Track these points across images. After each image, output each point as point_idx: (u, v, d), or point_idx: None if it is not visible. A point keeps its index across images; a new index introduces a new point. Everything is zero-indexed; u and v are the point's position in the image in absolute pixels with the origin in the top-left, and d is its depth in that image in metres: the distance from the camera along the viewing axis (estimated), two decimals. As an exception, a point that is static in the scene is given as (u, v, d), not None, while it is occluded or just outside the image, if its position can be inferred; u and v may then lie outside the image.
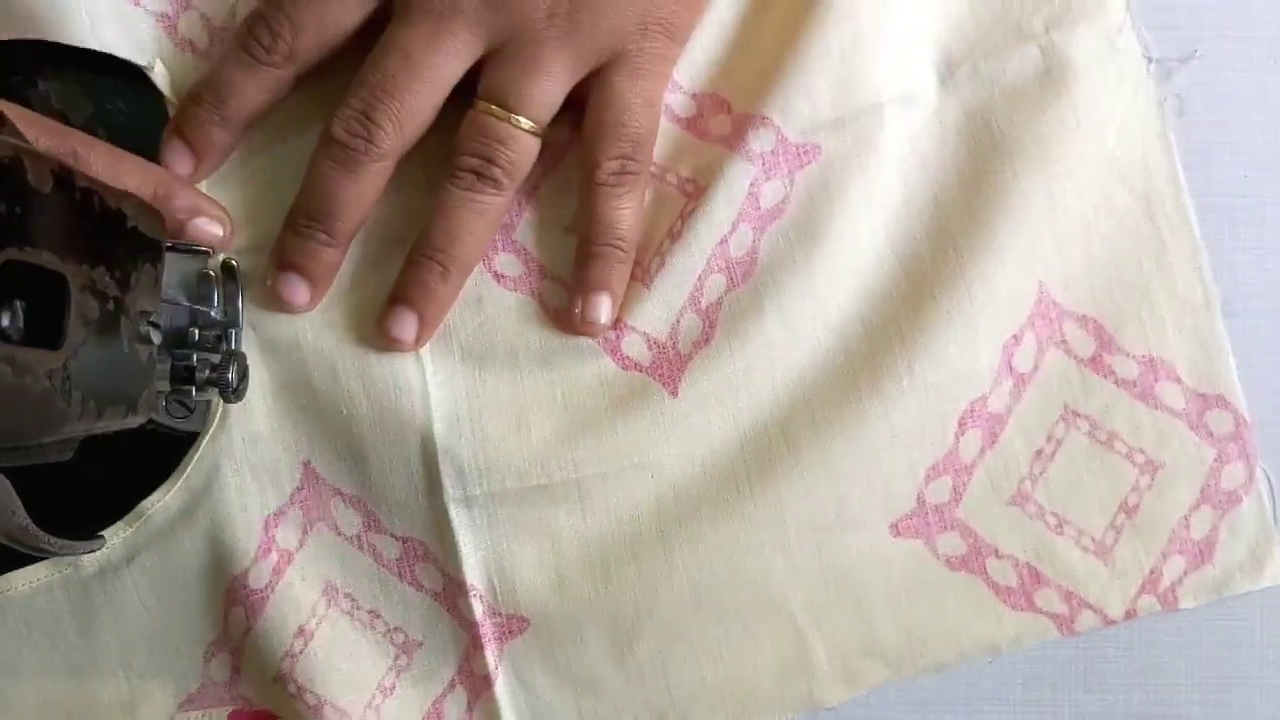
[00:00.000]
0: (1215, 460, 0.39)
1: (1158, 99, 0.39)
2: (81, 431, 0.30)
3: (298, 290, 0.38)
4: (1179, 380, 0.39)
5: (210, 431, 0.39)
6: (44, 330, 0.28)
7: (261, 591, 0.39)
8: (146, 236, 0.33)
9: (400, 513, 0.40)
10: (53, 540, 0.32)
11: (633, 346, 0.39)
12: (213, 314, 0.38)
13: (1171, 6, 0.40)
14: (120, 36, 0.38)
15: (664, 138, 0.39)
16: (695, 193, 0.39)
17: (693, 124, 0.39)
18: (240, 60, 0.37)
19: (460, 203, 0.37)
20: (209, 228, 0.37)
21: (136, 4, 0.39)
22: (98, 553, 0.39)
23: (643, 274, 0.39)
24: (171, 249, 0.36)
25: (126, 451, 0.37)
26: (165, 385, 0.36)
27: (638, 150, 0.38)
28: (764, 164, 0.38)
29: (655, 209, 0.39)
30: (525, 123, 0.36)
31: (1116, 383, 0.39)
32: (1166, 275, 0.39)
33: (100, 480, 0.39)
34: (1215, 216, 0.40)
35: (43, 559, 0.39)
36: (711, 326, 0.39)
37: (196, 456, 0.39)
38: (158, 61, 0.39)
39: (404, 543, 0.40)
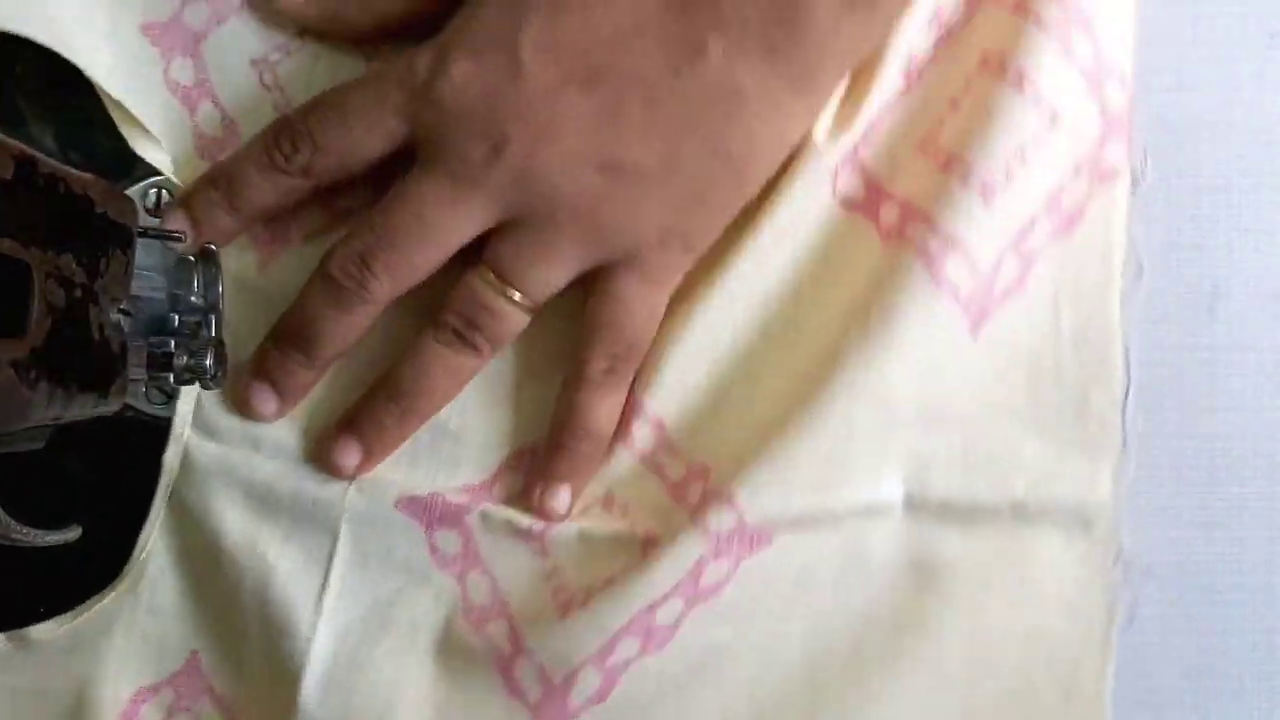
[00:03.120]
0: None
1: (1113, 585, 0.39)
2: (50, 420, 0.30)
3: (266, 402, 0.38)
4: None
5: (117, 588, 0.38)
6: (7, 318, 0.27)
7: None
8: (116, 222, 0.32)
9: None
10: (25, 530, 0.32)
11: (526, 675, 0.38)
12: (191, 300, 0.38)
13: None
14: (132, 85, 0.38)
15: (646, 489, 0.39)
16: (647, 546, 0.38)
17: (675, 488, 0.39)
18: (260, 161, 0.36)
19: (436, 356, 0.37)
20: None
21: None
22: None
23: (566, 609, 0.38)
24: (144, 234, 0.35)
25: (102, 439, 0.37)
26: (141, 373, 0.36)
27: (630, 353, 0.37)
28: (716, 545, 0.37)
29: (609, 551, 0.38)
30: (521, 298, 0.36)
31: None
32: None
33: (75, 469, 0.39)
34: (1211, 197, 0.39)
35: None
36: (609, 686, 0.37)
37: (96, 607, 0.38)
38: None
39: None
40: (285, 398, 0.38)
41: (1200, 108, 0.40)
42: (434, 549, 0.39)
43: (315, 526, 0.38)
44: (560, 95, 0.34)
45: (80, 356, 0.30)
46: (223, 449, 0.38)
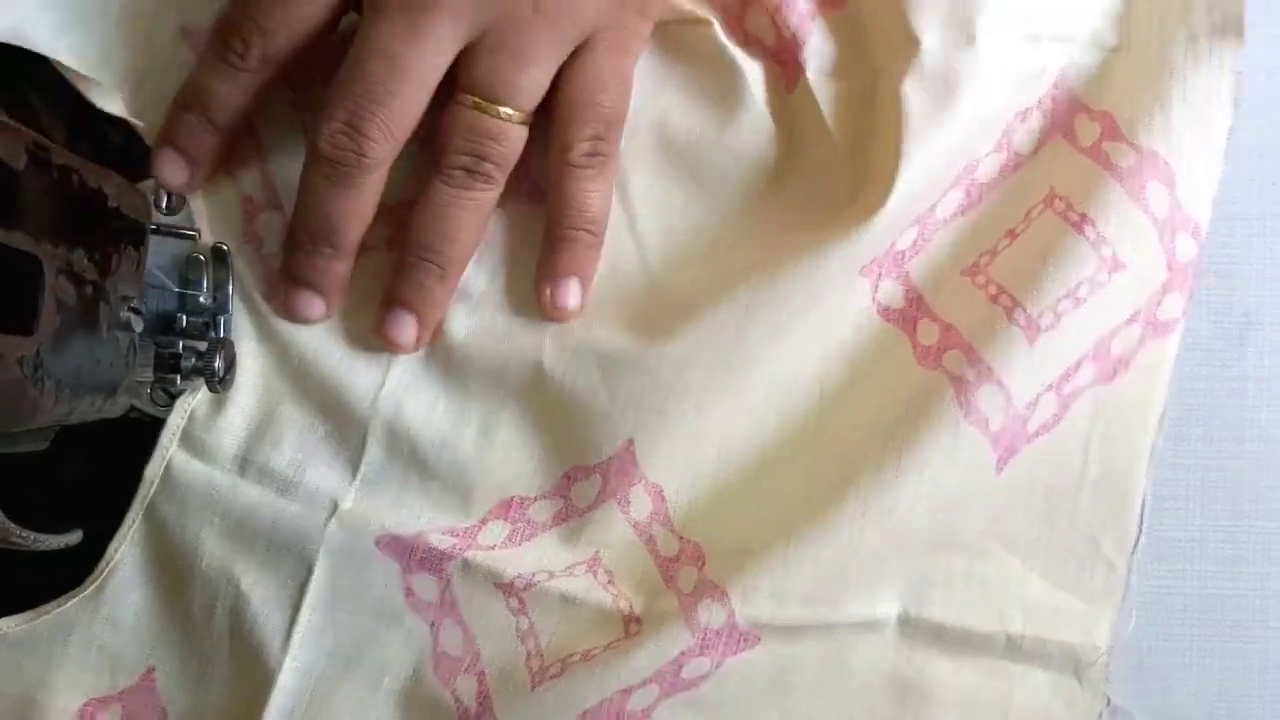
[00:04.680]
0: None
1: None
2: (56, 420, 0.29)
3: (311, 304, 0.37)
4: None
5: (80, 594, 0.37)
6: (16, 315, 0.27)
7: None
8: (129, 218, 0.31)
9: None
10: (25, 533, 0.31)
11: None
12: (201, 299, 0.37)
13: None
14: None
15: (636, 560, 0.38)
16: (632, 631, 0.37)
17: (667, 565, 0.38)
18: (217, 69, 0.35)
19: (452, 201, 0.36)
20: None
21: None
22: None
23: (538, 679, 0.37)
24: (156, 231, 0.35)
25: (108, 439, 0.36)
26: (148, 374, 0.35)
27: (610, 130, 0.36)
28: (702, 640, 0.36)
29: (589, 621, 0.37)
30: (514, 114, 0.35)
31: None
32: None
33: (78, 470, 0.38)
34: (1244, 225, 0.39)
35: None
36: None
37: (56, 611, 0.37)
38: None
39: None
40: (328, 295, 0.37)
41: (1234, 135, 0.39)
42: (410, 591, 0.37)
43: (292, 557, 0.37)
44: None
45: (89, 356, 0.29)
46: (208, 469, 0.37)
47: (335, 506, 0.37)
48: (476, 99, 0.35)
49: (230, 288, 0.38)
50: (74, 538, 0.35)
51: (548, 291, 0.37)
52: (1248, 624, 0.40)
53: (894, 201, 0.36)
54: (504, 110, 0.35)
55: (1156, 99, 0.37)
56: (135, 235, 0.32)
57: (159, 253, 0.35)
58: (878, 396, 0.37)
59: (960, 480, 0.37)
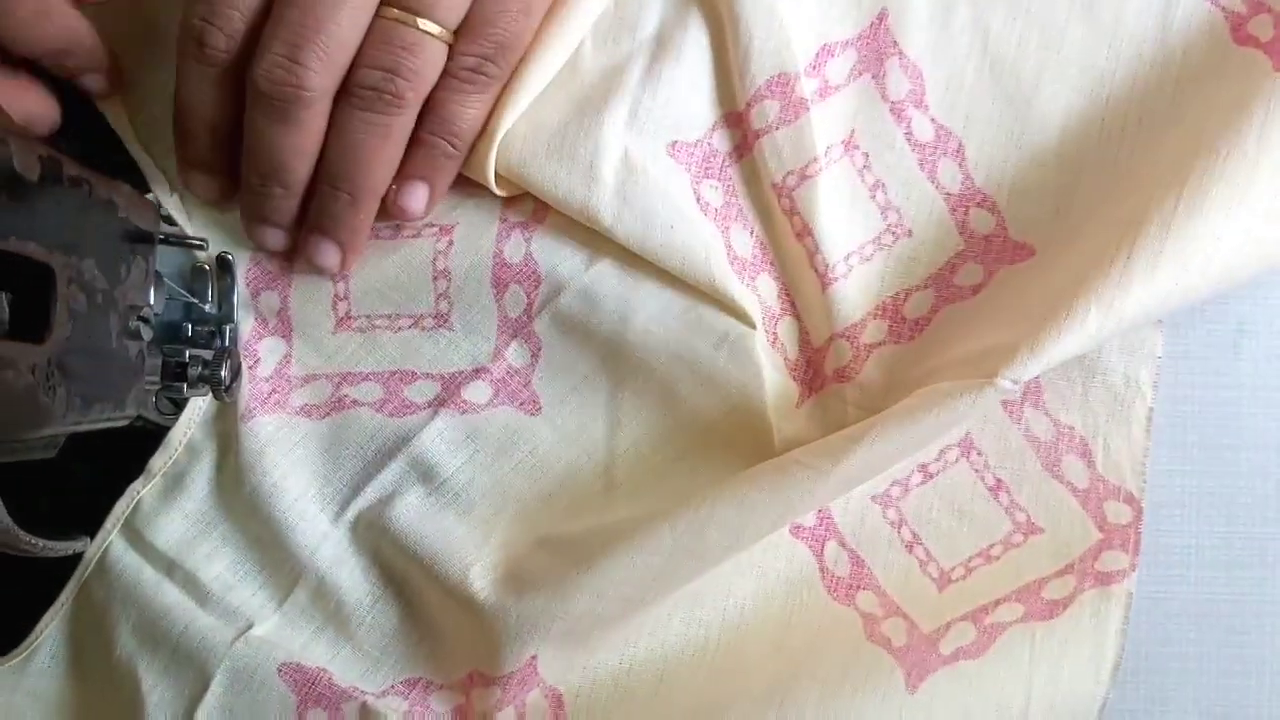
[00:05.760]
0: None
1: None
2: (66, 429, 0.29)
3: (271, 237, 0.37)
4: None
5: (6, 662, 0.38)
6: (28, 323, 0.27)
7: None
8: (139, 228, 0.32)
9: None
10: (34, 540, 0.31)
11: None
12: (206, 309, 0.37)
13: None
14: None
15: None
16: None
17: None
18: (196, 79, 0.35)
19: (361, 126, 0.34)
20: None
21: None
22: None
23: None
24: (164, 241, 0.35)
25: (113, 447, 0.36)
26: (156, 382, 0.35)
27: (500, 55, 0.35)
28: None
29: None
30: (432, 27, 0.34)
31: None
32: None
33: (85, 477, 0.38)
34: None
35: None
36: None
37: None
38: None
39: None
40: (285, 228, 0.37)
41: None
42: None
43: (193, 668, 0.37)
44: None
45: (99, 364, 0.30)
46: (140, 562, 0.38)
47: (248, 627, 0.37)
48: (394, 9, 0.34)
49: (235, 298, 0.38)
50: (80, 545, 0.35)
51: (394, 188, 0.36)
52: (1244, 629, 0.40)
53: (841, 469, 0.35)
54: (423, 22, 0.34)
55: (1074, 376, 0.38)
56: (144, 245, 0.32)
57: (166, 262, 0.36)
58: (791, 628, 0.38)
59: (864, 694, 0.36)
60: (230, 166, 0.36)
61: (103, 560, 0.38)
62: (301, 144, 0.34)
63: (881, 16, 0.38)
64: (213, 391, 0.37)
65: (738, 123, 0.38)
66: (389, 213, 0.37)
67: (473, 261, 0.38)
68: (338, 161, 0.35)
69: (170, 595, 0.37)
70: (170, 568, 0.38)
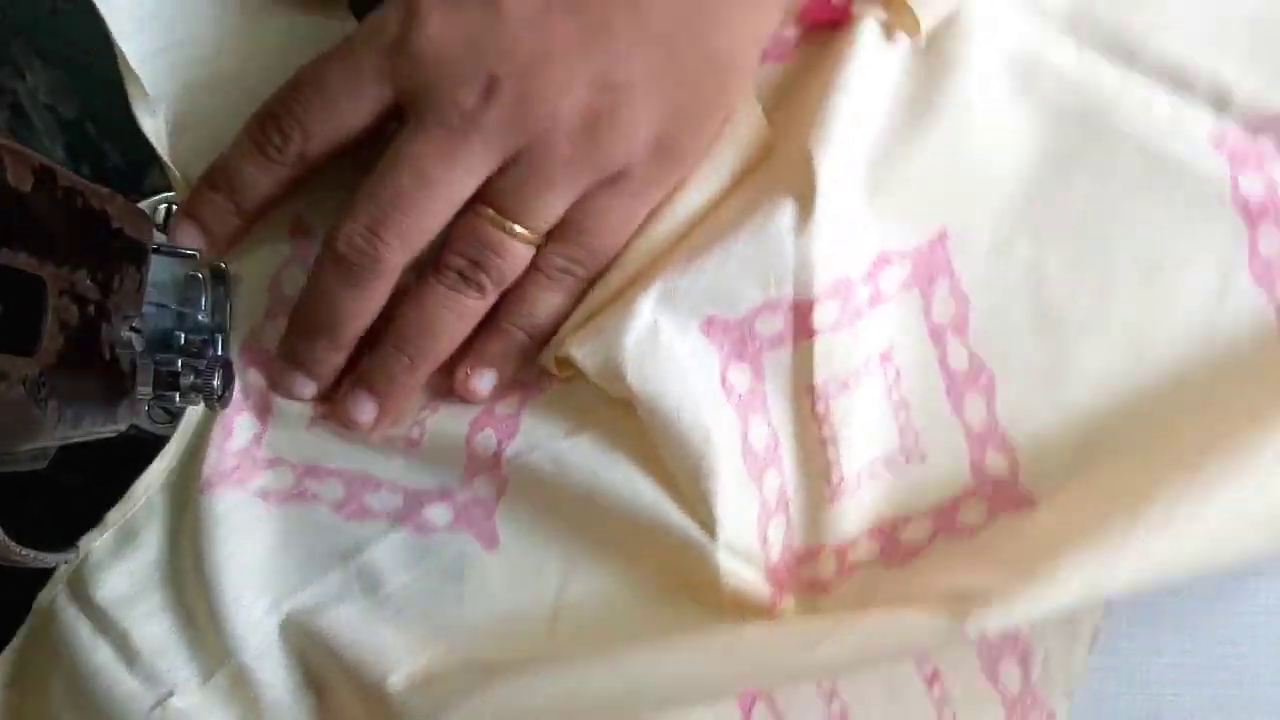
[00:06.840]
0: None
1: None
2: (57, 440, 0.29)
3: (304, 388, 0.38)
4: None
5: None
6: (19, 335, 0.27)
7: None
8: (131, 239, 0.31)
9: None
10: (25, 551, 0.31)
11: None
12: (199, 318, 0.37)
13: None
14: None
15: None
16: None
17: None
18: (253, 156, 0.36)
19: (440, 300, 0.36)
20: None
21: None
22: None
23: None
24: (157, 251, 0.35)
25: (105, 458, 0.36)
26: (148, 391, 0.35)
27: (591, 260, 0.36)
28: None
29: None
30: (521, 231, 0.35)
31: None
32: None
33: (77, 488, 0.38)
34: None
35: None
36: None
37: None
38: None
39: None
40: (320, 380, 0.38)
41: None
42: None
43: None
44: (544, 22, 0.33)
45: (90, 375, 0.30)
46: (77, 615, 0.37)
47: (169, 695, 0.37)
48: (490, 210, 0.35)
49: (229, 307, 0.38)
50: (72, 555, 0.35)
51: (465, 372, 0.37)
52: (1238, 640, 0.40)
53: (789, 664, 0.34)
54: (514, 226, 0.35)
55: None
56: (137, 255, 0.32)
57: (158, 271, 0.36)
58: None
59: None
60: (224, 242, 0.37)
61: (52, 610, 0.37)
62: (363, 308, 0.36)
63: (942, 236, 0.37)
64: (205, 401, 0.36)
65: (787, 312, 0.36)
66: (457, 390, 0.37)
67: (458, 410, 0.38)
68: (409, 327, 0.36)
69: (103, 655, 0.37)
70: (106, 625, 0.37)
